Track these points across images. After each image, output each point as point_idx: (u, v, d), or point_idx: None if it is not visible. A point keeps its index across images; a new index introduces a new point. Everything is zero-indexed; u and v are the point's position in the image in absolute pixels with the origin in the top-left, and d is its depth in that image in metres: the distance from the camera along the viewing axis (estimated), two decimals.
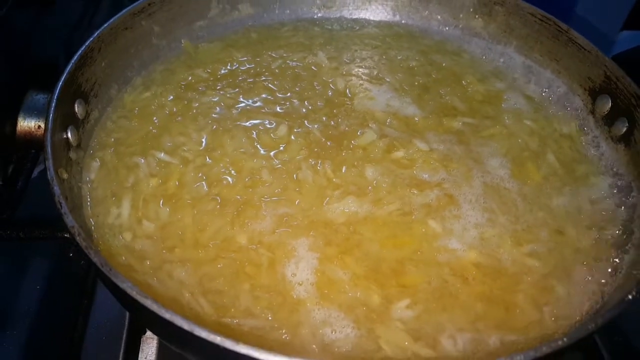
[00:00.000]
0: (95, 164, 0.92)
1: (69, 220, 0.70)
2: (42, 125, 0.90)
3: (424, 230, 0.85)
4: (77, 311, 1.04)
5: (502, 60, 1.18)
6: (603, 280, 0.83)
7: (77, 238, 0.68)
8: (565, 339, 0.62)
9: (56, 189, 0.73)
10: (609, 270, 0.84)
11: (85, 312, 1.04)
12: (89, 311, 1.04)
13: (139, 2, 1.04)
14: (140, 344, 1.01)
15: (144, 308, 0.62)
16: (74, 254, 1.14)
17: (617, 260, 0.85)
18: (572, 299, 0.80)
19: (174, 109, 1.01)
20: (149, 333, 1.01)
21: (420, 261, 0.82)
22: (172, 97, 1.03)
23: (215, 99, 1.03)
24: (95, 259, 0.66)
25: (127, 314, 1.01)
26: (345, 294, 0.77)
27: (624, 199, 0.93)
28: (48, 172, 0.76)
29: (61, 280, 1.11)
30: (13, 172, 1.13)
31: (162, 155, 0.93)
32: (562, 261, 0.85)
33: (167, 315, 0.61)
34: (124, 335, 0.99)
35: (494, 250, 0.84)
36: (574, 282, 0.82)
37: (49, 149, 0.78)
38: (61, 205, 0.72)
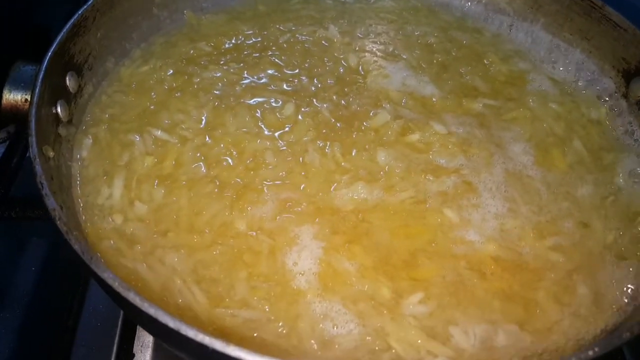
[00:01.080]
0: (88, 140, 0.86)
1: (50, 202, 0.65)
2: (29, 99, 0.84)
3: (439, 219, 0.79)
4: (72, 295, 1.01)
5: (527, 38, 1.10)
6: (633, 282, 0.76)
7: (58, 222, 0.63)
8: (596, 349, 0.55)
9: (38, 168, 0.68)
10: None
11: (80, 296, 1.00)
12: (84, 296, 1.00)
13: None
14: (136, 330, 0.96)
15: (127, 301, 0.56)
16: None
17: None
18: (599, 300, 0.74)
19: (174, 84, 0.95)
20: None
21: (435, 253, 0.75)
22: (172, 72, 0.97)
23: (218, 75, 0.96)
24: (75, 246, 0.60)
25: None
26: (351, 287, 0.71)
27: None
28: (30, 150, 0.70)
29: (57, 262, 1.08)
30: (8, 149, 1.09)
31: (159, 132, 0.87)
32: (588, 257, 0.78)
33: (152, 311, 0.55)
34: (120, 322, 0.95)
35: (514, 242, 0.78)
36: (601, 281, 0.76)
37: (32, 125, 0.72)
38: (42, 186, 0.67)
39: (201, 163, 0.84)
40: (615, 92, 0.98)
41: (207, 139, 0.87)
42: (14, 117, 0.84)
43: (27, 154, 1.06)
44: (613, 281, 0.75)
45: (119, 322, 0.95)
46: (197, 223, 0.77)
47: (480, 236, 0.78)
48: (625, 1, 1.05)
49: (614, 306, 0.73)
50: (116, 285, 0.58)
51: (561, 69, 1.05)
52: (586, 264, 0.77)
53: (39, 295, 1.02)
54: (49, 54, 0.81)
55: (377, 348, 0.66)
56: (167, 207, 0.79)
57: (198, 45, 1.02)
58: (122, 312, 0.96)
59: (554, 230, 0.80)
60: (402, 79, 0.99)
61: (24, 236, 1.10)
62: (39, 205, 0.95)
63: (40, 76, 0.78)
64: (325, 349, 0.66)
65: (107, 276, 0.58)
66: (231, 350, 0.52)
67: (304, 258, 0.74)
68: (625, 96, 0.96)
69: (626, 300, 0.74)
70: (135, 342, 0.95)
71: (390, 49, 1.05)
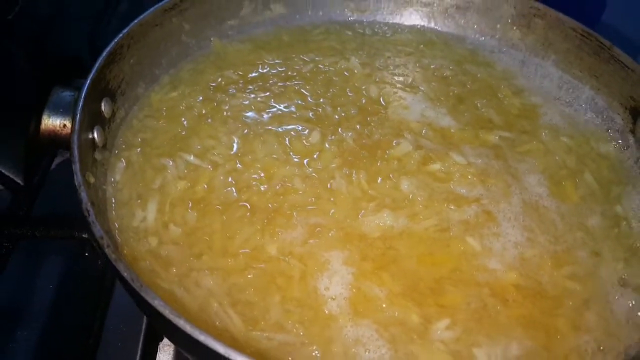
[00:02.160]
0: (121, 164, 0.89)
1: (97, 230, 0.67)
2: (68, 124, 0.87)
3: (462, 248, 0.82)
4: (92, 314, 1.01)
5: (538, 73, 1.14)
6: None
7: (106, 250, 0.65)
8: None
9: (84, 195, 0.70)
10: None
11: (101, 315, 1.01)
12: (105, 314, 1.01)
13: None
14: (157, 350, 0.98)
15: (175, 327, 0.59)
16: (90, 254, 1.11)
17: None
18: (615, 328, 0.77)
19: (203, 111, 0.98)
20: (166, 340, 0.98)
21: (460, 281, 0.79)
22: (201, 98, 1.00)
23: (246, 102, 1.00)
24: (125, 274, 0.62)
25: (144, 318, 0.98)
26: (382, 312, 0.74)
27: None
28: (75, 177, 0.72)
29: (77, 280, 1.08)
30: (30, 165, 1.10)
31: (191, 157, 0.90)
32: (602, 286, 0.81)
33: (202, 338, 0.58)
34: (141, 341, 0.96)
35: (534, 271, 0.81)
36: (616, 309, 0.79)
37: (75, 152, 0.74)
38: (89, 214, 0.68)
39: (232, 188, 0.86)
40: (624, 128, 1.03)
41: (238, 164, 0.90)
42: (53, 142, 0.86)
43: (49, 170, 1.08)
44: (629, 309, 0.79)
45: (140, 342, 0.96)
46: (230, 247, 0.80)
47: (502, 265, 0.81)
48: (618, 35, 1.11)
49: (629, 333, 0.77)
50: (167, 313, 0.60)
51: (571, 104, 1.09)
52: (601, 292, 0.80)
53: (57, 313, 1.03)
54: (88, 81, 0.83)
55: None
56: (201, 231, 0.82)
57: (225, 73, 1.05)
58: (142, 332, 0.98)
59: (570, 259, 0.83)
60: (421, 110, 1.03)
61: (43, 254, 1.11)
62: (62, 224, 0.98)
63: (81, 103, 0.80)
64: None
65: (158, 304, 0.61)
66: None
67: (335, 283, 0.77)
68: (633, 132, 1.01)
69: None
70: None
71: (409, 81, 1.09)
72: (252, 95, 1.01)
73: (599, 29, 1.07)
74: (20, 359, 0.96)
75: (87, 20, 1.29)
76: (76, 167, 0.74)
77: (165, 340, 0.99)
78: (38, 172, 1.10)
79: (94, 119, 0.85)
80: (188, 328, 0.59)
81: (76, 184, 0.72)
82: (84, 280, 1.10)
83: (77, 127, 0.78)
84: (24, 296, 1.04)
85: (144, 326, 0.98)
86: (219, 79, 1.04)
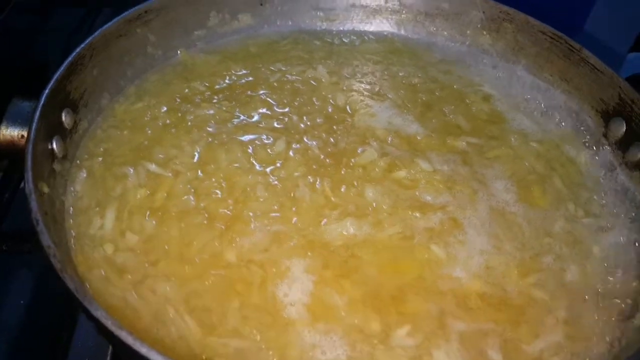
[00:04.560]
0: (82, 174, 0.88)
1: (45, 239, 0.66)
2: (26, 135, 0.86)
3: (426, 255, 0.81)
4: (60, 329, 1.00)
5: (509, 79, 1.13)
6: (615, 322, 0.78)
7: (52, 260, 0.64)
8: None
9: (34, 204, 0.69)
10: (623, 311, 0.79)
11: (69, 331, 0.99)
12: (73, 331, 0.99)
13: (134, 8, 1.00)
14: None
15: (119, 340, 0.57)
16: None
17: (629, 300, 0.80)
18: (580, 339, 0.75)
19: (168, 121, 0.97)
20: None
21: (422, 289, 0.77)
22: (165, 109, 0.99)
23: (211, 112, 0.99)
24: (70, 284, 0.61)
25: None
26: (341, 319, 0.73)
27: (638, 231, 0.89)
28: (26, 186, 0.71)
29: (46, 296, 1.07)
30: (0, 182, 1.09)
31: (152, 166, 0.89)
32: (569, 295, 0.80)
33: (144, 350, 0.56)
34: (108, 358, 0.94)
35: (499, 279, 0.80)
36: (582, 320, 0.77)
37: (29, 162, 0.73)
38: (37, 223, 0.67)
39: (191, 196, 0.85)
40: (595, 131, 1.02)
41: (200, 173, 0.88)
42: (10, 153, 0.85)
43: (20, 187, 1.07)
44: (595, 321, 0.77)
45: (108, 358, 0.95)
46: (187, 253, 0.78)
47: (466, 273, 0.79)
48: (599, 45, 1.10)
49: (597, 346, 0.75)
50: (109, 324, 0.58)
51: (542, 108, 1.08)
52: (568, 303, 0.79)
53: (27, 329, 1.02)
54: (46, 91, 0.82)
55: None
56: (158, 238, 0.80)
57: (192, 85, 1.04)
58: (110, 349, 0.96)
59: (537, 267, 0.82)
60: (388, 117, 1.02)
61: (13, 269, 1.10)
62: (31, 239, 0.96)
63: (37, 113, 0.79)
64: None
65: (100, 315, 0.59)
66: None
67: (295, 290, 0.75)
68: (605, 135, 1.00)
69: (610, 341, 0.76)
70: None
71: (376, 89, 1.08)
72: (218, 106, 1.00)
73: (581, 38, 1.07)
74: None
75: (61, 37, 1.29)
76: (28, 175, 0.72)
77: None
78: (8, 189, 1.09)
79: (53, 129, 0.84)
80: (130, 340, 0.57)
81: (26, 192, 0.71)
82: (53, 295, 1.08)
83: (32, 135, 0.76)
84: None
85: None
86: (186, 90, 1.03)
